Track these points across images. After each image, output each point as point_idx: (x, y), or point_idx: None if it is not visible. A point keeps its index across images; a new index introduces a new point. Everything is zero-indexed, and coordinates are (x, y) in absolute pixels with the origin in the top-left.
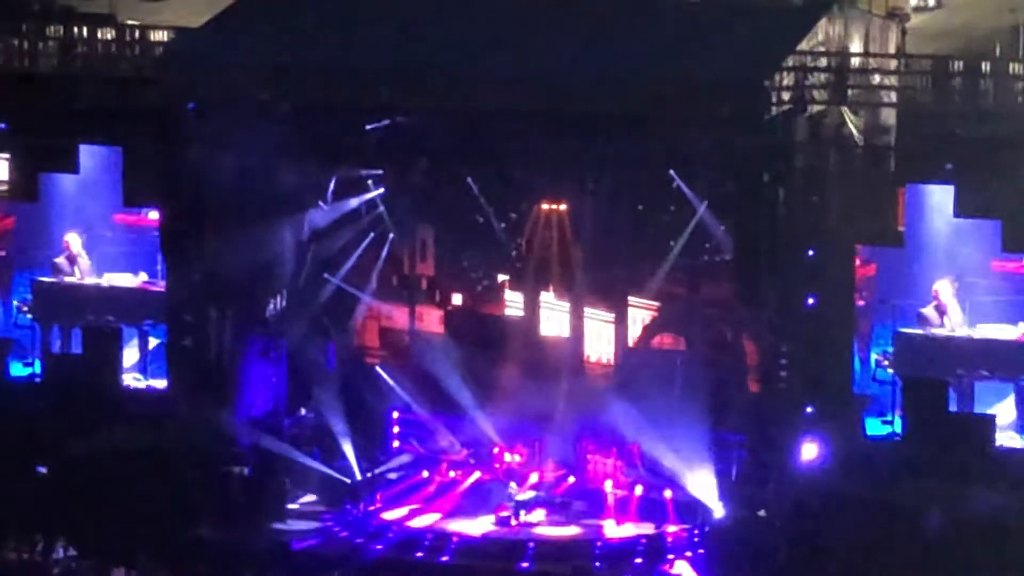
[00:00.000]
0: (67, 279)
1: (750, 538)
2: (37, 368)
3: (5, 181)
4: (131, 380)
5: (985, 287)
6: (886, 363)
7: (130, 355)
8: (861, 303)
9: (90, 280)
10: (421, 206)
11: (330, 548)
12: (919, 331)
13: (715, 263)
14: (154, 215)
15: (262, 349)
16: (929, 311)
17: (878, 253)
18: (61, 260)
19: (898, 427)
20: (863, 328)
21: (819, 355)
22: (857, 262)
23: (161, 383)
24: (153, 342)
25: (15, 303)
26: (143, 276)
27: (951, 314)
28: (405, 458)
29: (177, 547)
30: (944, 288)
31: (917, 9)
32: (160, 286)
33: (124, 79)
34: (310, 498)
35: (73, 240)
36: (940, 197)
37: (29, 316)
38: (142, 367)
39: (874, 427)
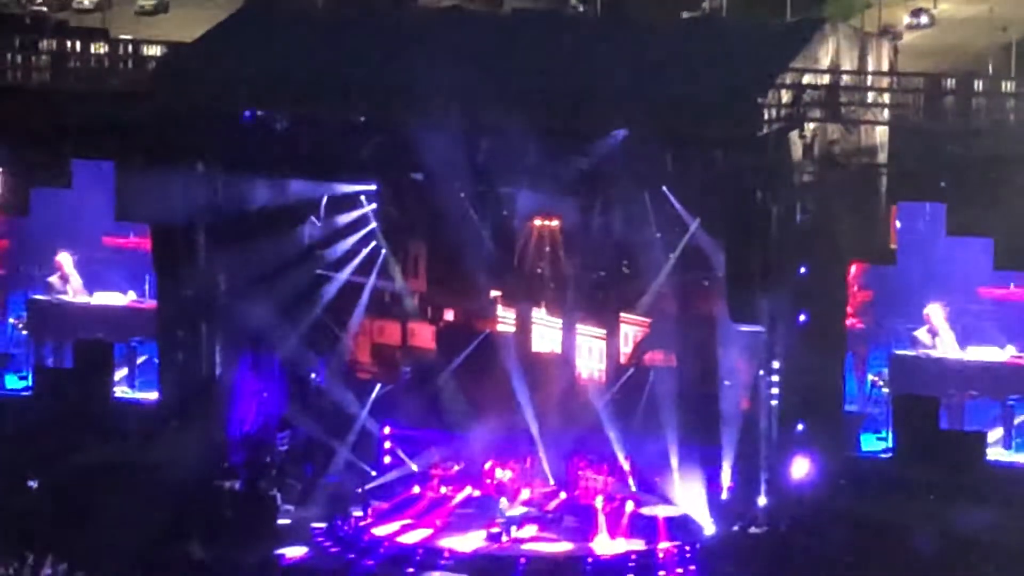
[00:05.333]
0: (60, 297)
1: (741, 554)
2: (31, 381)
3: None
4: (119, 392)
5: (975, 311)
6: (881, 383)
7: (119, 370)
8: (860, 327)
9: (81, 298)
10: (414, 222)
11: (321, 563)
12: (913, 352)
13: (707, 280)
14: (140, 237)
15: (254, 364)
16: (922, 333)
17: (874, 279)
18: (54, 279)
19: (891, 443)
20: (861, 351)
21: (810, 372)
22: (855, 287)
23: (148, 395)
24: (142, 358)
25: (11, 320)
26: (132, 295)
27: (943, 336)
28: (396, 473)
29: (168, 562)
30: (935, 312)
31: (910, 27)
32: (147, 304)
33: (117, 93)
34: (301, 513)
35: (65, 260)
36: (935, 222)
37: (24, 332)
38: (130, 381)
39: (869, 442)
